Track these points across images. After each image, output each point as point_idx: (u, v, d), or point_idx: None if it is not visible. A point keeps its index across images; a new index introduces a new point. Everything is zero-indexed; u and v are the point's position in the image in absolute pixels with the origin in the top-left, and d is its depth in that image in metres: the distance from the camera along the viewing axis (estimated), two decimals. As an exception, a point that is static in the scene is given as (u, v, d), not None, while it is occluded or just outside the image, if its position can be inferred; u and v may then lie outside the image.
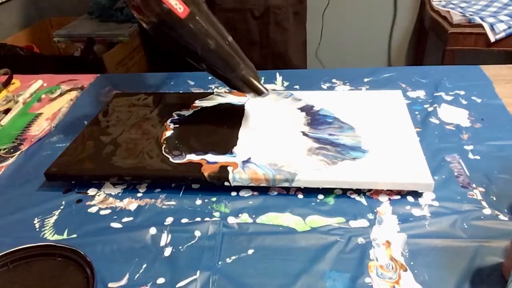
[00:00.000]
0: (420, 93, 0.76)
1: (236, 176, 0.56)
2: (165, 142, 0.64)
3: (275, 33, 0.97)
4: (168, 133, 0.66)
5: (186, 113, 0.71)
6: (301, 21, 1.03)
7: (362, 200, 0.54)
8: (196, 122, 0.69)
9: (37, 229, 0.54)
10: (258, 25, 0.95)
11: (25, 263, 0.48)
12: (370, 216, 0.52)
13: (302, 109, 0.69)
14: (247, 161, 0.58)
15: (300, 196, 0.56)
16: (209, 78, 0.86)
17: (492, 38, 1.43)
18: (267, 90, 0.63)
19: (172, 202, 0.56)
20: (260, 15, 0.94)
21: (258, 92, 0.62)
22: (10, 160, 0.67)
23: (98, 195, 0.58)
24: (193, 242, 0.50)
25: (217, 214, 0.54)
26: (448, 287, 0.43)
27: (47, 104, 0.83)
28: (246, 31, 0.94)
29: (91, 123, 0.71)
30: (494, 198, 0.53)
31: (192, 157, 0.60)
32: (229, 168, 0.57)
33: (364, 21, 1.93)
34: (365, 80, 0.81)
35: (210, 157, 0.60)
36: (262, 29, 0.95)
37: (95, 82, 0.89)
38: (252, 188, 0.57)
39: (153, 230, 0.52)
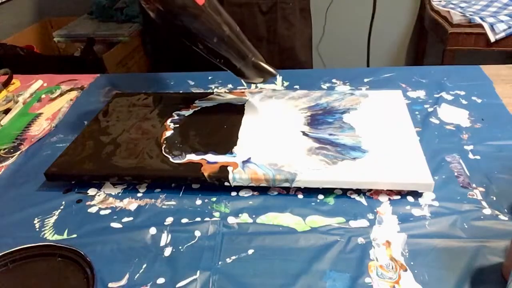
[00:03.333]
0: (420, 93, 0.76)
1: (236, 176, 0.56)
2: (165, 142, 0.64)
3: (282, 28, 0.97)
4: (168, 133, 0.66)
5: (186, 113, 0.71)
6: (307, 16, 1.03)
7: (362, 200, 0.54)
8: (196, 122, 0.69)
9: (37, 229, 0.54)
10: (265, 20, 0.95)
11: (25, 263, 0.48)
12: (370, 216, 0.52)
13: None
14: (247, 161, 0.58)
15: (300, 196, 0.56)
16: (209, 78, 0.86)
17: (492, 38, 1.43)
18: (276, 71, 0.66)
19: (172, 202, 0.56)
20: (268, 10, 0.95)
21: (270, 74, 0.66)
22: (10, 160, 0.67)
23: (98, 195, 0.58)
24: (193, 242, 0.50)
25: (217, 214, 0.54)
26: (448, 287, 0.43)
27: (47, 104, 0.83)
28: (254, 26, 0.94)
29: (91, 123, 0.71)
30: (494, 198, 0.53)
31: (192, 157, 0.60)
32: (229, 168, 0.57)
33: (366, 20, 1.93)
34: (365, 80, 0.81)
35: (210, 157, 0.60)
36: (270, 24, 0.96)
37: (95, 82, 0.89)
38: (252, 188, 0.57)
39: (153, 230, 0.52)
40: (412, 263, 0.45)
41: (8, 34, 1.82)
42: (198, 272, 0.46)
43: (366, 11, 1.90)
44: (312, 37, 1.07)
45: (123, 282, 0.46)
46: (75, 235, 0.52)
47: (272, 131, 0.65)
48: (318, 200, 0.55)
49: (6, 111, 0.81)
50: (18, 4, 1.94)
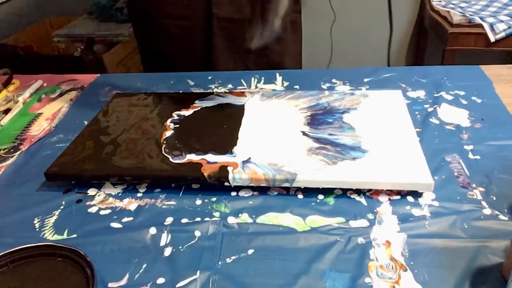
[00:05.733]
0: (420, 93, 0.76)
1: (236, 176, 0.56)
2: (165, 142, 0.64)
3: (272, 42, 0.96)
4: (168, 133, 0.66)
5: (186, 113, 0.71)
6: (297, 30, 1.01)
7: (362, 200, 0.54)
8: (196, 122, 0.69)
9: (37, 229, 0.54)
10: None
11: (25, 263, 0.48)
12: (370, 216, 0.52)
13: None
14: (247, 161, 0.58)
15: (300, 196, 0.56)
16: (209, 78, 0.86)
17: (492, 38, 1.43)
18: None
19: (172, 202, 0.56)
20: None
21: None
22: (10, 160, 0.67)
23: (98, 195, 0.58)
24: (193, 242, 0.50)
25: (217, 214, 0.54)
26: (448, 287, 0.43)
27: (47, 104, 0.83)
28: (243, 40, 0.94)
29: (91, 123, 0.71)
30: (494, 198, 0.53)
31: (192, 157, 0.60)
32: (229, 168, 0.57)
33: (365, 22, 1.93)
34: (365, 80, 0.81)
35: (210, 157, 0.60)
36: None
37: (95, 82, 0.89)
38: (252, 188, 0.57)
39: (153, 230, 0.52)
40: (412, 263, 0.45)
41: (8, 34, 1.82)
42: (198, 272, 0.46)
43: (366, 14, 1.91)
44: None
45: (123, 282, 0.46)
46: (75, 235, 0.52)
47: (272, 131, 0.65)
48: (318, 200, 0.55)
49: (6, 111, 0.81)
50: (18, 4, 1.93)
